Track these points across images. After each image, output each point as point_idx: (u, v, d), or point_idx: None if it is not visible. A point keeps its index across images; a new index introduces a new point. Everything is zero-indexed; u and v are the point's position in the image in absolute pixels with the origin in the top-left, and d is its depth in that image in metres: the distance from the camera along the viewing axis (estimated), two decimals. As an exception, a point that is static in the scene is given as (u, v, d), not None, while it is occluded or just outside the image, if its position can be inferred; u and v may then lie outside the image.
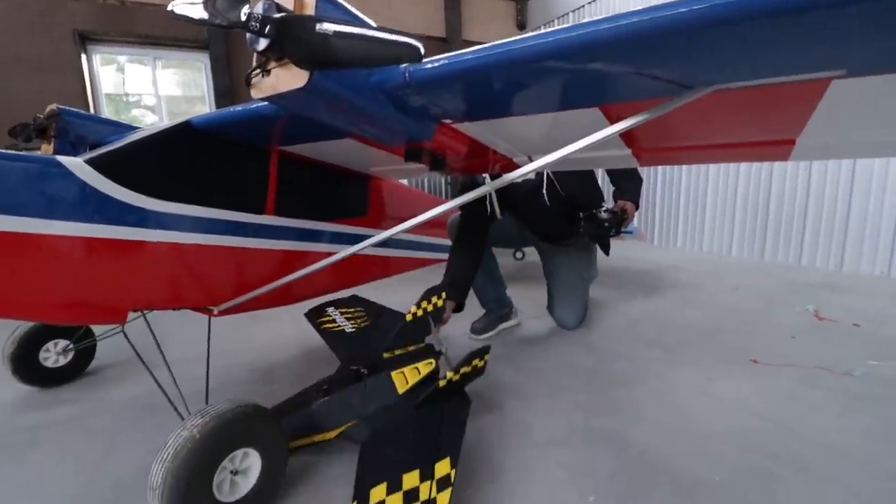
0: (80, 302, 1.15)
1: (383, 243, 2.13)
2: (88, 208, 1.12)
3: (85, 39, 5.25)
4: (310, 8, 0.80)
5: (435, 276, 2.50)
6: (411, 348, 1.59)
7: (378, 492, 1.01)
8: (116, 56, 5.74)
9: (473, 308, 2.34)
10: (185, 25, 5.43)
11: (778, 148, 1.16)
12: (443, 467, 1.04)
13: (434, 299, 1.72)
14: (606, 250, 2.14)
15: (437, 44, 6.65)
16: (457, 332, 2.27)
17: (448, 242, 2.35)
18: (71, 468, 1.31)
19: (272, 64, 0.84)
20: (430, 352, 1.55)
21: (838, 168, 3.52)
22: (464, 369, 1.34)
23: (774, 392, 1.63)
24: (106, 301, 1.18)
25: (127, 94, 6.07)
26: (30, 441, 1.45)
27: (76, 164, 1.12)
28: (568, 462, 1.27)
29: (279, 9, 0.79)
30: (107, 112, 5.73)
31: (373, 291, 2.30)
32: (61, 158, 1.11)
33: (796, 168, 3.76)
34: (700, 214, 4.44)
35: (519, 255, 3.79)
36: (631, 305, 2.69)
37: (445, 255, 2.53)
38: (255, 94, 0.90)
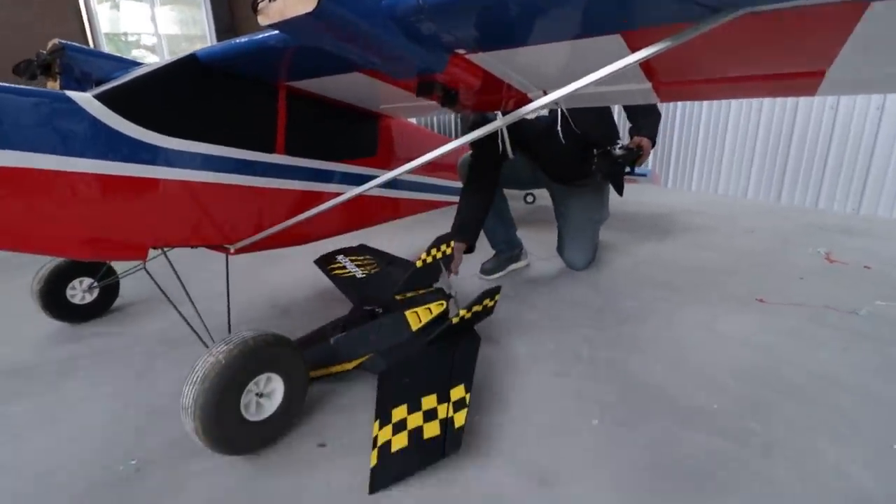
0: (100, 238, 1.18)
1: (394, 184, 2.13)
2: (99, 143, 1.13)
3: (79, -27, 5.01)
4: (316, -76, 0.76)
5: (446, 218, 2.50)
6: (422, 292, 1.64)
7: (399, 411, 1.09)
8: (112, -10, 5.50)
9: (483, 249, 2.37)
10: (180, -45, 5.15)
11: (806, 80, 1.11)
12: (458, 392, 1.12)
13: (443, 247, 1.76)
14: (620, 190, 2.11)
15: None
16: (466, 273, 2.30)
17: (459, 185, 2.33)
18: (107, 394, 1.40)
19: (279, -13, 0.81)
20: (440, 294, 1.59)
21: (867, 105, 3.36)
22: (475, 308, 1.38)
23: (779, 329, 1.67)
24: (124, 237, 1.21)
25: (126, 34, 5.88)
26: (66, 370, 1.55)
27: (85, 99, 1.11)
28: (573, 390, 1.34)
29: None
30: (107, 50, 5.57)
31: (385, 233, 2.33)
32: (70, 93, 1.10)
33: (822, 106, 3.60)
34: (718, 154, 4.31)
35: (530, 198, 3.76)
36: (642, 248, 2.70)
37: (456, 198, 2.52)
38: (262, 20, 0.87)
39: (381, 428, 1.06)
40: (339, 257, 2.04)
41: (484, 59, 1.11)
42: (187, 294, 1.33)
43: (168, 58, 1.41)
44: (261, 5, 0.86)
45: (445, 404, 1.09)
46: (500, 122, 1.13)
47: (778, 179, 3.93)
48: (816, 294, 1.95)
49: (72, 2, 4.95)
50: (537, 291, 2.09)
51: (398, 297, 1.61)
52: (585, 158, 2.03)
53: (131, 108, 1.18)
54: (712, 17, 0.77)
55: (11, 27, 4.56)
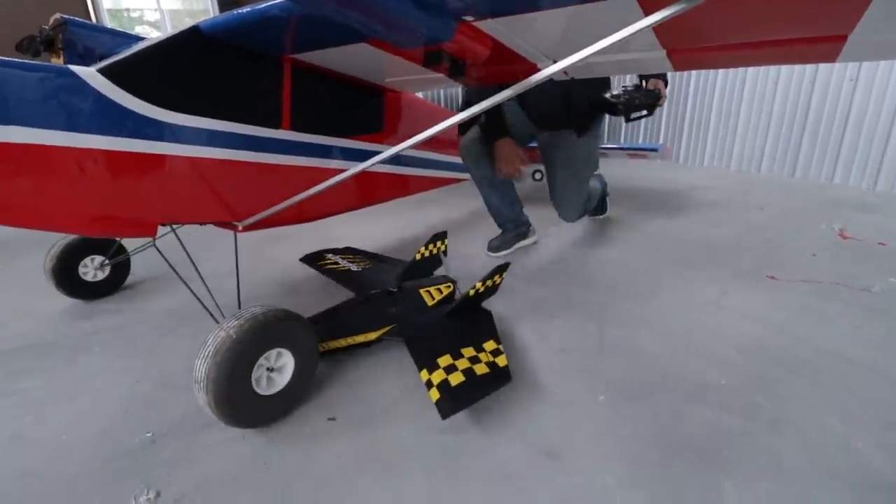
0: (108, 214, 1.18)
1: (403, 161, 2.11)
2: (104, 119, 1.12)
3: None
4: None
5: (455, 197, 2.50)
6: (425, 280, 1.65)
7: (444, 359, 1.16)
8: (113, -36, 5.41)
9: (490, 226, 2.35)
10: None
11: (826, 45, 1.06)
12: (490, 345, 1.23)
13: (439, 243, 1.78)
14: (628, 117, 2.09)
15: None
16: (474, 251, 2.30)
17: None
18: (120, 368, 1.43)
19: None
20: (445, 279, 1.61)
21: (887, 77, 3.24)
22: (488, 283, 1.39)
23: (789, 306, 1.65)
24: (133, 214, 1.21)
25: (128, 10, 5.81)
26: (81, 346, 1.57)
27: (90, 74, 1.10)
28: (581, 366, 1.34)
29: None
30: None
31: (394, 211, 2.32)
32: (74, 68, 1.09)
33: (841, 77, 3.48)
34: (731, 129, 4.21)
35: (538, 175, 3.71)
36: (652, 224, 2.66)
37: (464, 175, 2.49)
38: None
39: (430, 373, 1.13)
40: (329, 255, 2.02)
41: (492, 27, 1.08)
42: (197, 271, 1.33)
43: (171, 30, 1.38)
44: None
45: (484, 353, 1.20)
46: (509, 92, 1.10)
47: (793, 154, 3.84)
48: (829, 271, 1.92)
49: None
50: (546, 268, 2.08)
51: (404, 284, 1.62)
52: (569, 102, 2.02)
53: (135, 82, 1.17)
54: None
55: (14, 5, 4.51)
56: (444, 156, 2.41)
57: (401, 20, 0.94)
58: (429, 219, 2.89)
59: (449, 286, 1.52)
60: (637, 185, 3.59)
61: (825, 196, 3.23)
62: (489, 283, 1.39)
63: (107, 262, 1.91)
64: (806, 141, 3.74)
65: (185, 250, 1.35)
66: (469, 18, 1.03)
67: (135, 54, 1.23)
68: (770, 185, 3.60)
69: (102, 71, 1.13)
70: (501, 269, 1.43)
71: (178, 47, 1.26)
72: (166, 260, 1.33)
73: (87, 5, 5.03)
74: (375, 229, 2.68)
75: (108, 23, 5.51)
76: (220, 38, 1.26)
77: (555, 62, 1.34)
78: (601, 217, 2.74)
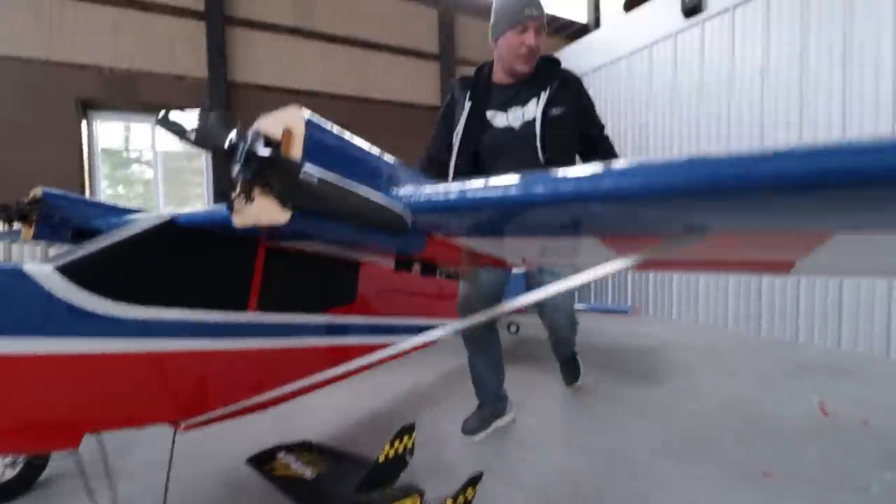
0: (30, 427, 1.04)
1: (377, 330, 2.01)
2: (53, 321, 1.04)
3: (87, 108, 5.36)
4: (297, 143, 0.78)
5: (434, 356, 2.38)
6: (388, 490, 1.42)
7: None
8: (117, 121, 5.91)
9: (466, 391, 2.22)
10: (188, 93, 5.61)
11: (778, 268, 1.14)
12: None
13: (406, 438, 1.55)
14: None
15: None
16: (447, 430, 2.11)
17: (451, 320, 2.25)
18: None
19: (256, 192, 0.81)
20: (411, 490, 1.40)
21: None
22: (459, 499, 1.23)
23: (792, 516, 1.50)
24: (60, 425, 1.07)
25: (128, 150, 6.18)
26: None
27: (45, 275, 1.05)
28: None
29: (267, 142, 0.77)
30: (102, 168, 5.80)
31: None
32: (28, 268, 1.04)
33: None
34: (693, 284, 4.42)
35: (513, 328, 3.71)
36: (631, 395, 2.56)
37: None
38: (237, 220, 0.87)
39: None
40: (281, 455, 1.74)
41: (462, 242, 1.11)
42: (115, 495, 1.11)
43: (148, 219, 1.39)
44: (236, 206, 0.85)
45: None
46: (499, 310, 1.08)
47: (755, 311, 3.98)
48: (822, 464, 1.81)
49: (73, 132, 5.20)
50: (526, 461, 1.88)
51: (362, 498, 1.38)
52: None
53: (97, 279, 1.11)
54: (689, 236, 0.78)
55: (13, 153, 4.72)
56: (421, 319, 2.34)
57: (374, 243, 0.96)
58: (401, 384, 2.74)
59: (415, 499, 1.33)
60: (611, 342, 3.59)
61: (793, 357, 3.27)
62: (461, 499, 1.24)
63: (21, 458, 1.62)
64: (764, 299, 3.92)
65: (107, 469, 1.14)
66: (439, 235, 1.07)
67: (103, 248, 1.21)
68: (737, 344, 3.65)
69: (62, 268, 1.09)
70: (474, 481, 1.29)
71: (149, 241, 1.25)
72: (85, 479, 1.13)
73: (81, 153, 5.28)
74: (340, 396, 2.50)
75: (101, 163, 5.79)
76: (195, 230, 1.27)
77: (524, 260, 1.40)
78: (576, 384, 2.64)
